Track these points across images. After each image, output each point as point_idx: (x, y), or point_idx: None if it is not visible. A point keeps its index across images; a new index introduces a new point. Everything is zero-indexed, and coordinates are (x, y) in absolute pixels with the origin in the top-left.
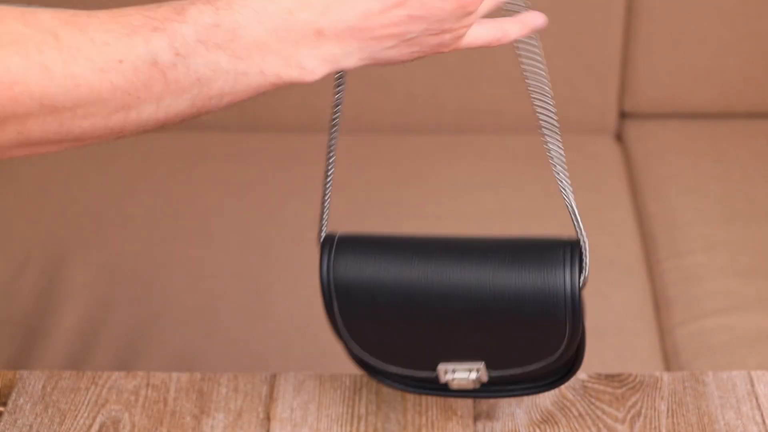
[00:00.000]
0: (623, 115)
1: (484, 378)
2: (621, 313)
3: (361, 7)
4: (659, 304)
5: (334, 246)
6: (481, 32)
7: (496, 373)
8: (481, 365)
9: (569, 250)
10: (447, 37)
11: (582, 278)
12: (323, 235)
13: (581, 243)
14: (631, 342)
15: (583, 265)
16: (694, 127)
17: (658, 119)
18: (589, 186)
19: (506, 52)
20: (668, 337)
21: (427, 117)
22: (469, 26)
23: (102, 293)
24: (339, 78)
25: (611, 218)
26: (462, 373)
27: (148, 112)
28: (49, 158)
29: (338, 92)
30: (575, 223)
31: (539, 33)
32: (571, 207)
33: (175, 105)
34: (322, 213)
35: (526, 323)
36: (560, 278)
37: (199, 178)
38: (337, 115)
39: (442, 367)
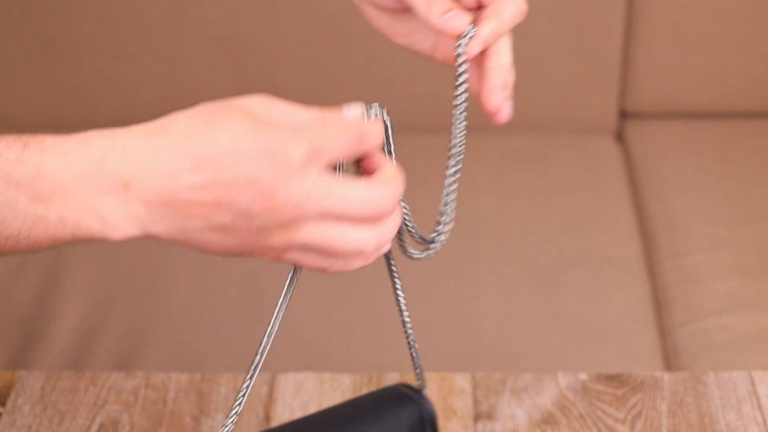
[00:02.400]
0: (623, 115)
1: None
2: (621, 313)
3: (173, 175)
4: (659, 304)
5: None
6: (312, 259)
7: None
8: None
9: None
10: (270, 241)
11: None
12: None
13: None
14: (632, 342)
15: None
16: (695, 126)
17: (659, 119)
18: (589, 186)
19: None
20: (669, 337)
21: (427, 117)
22: (290, 244)
23: (102, 293)
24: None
25: (611, 218)
26: None
27: None
28: None
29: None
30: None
31: (539, 34)
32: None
33: None
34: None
35: None
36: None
37: None
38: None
39: None
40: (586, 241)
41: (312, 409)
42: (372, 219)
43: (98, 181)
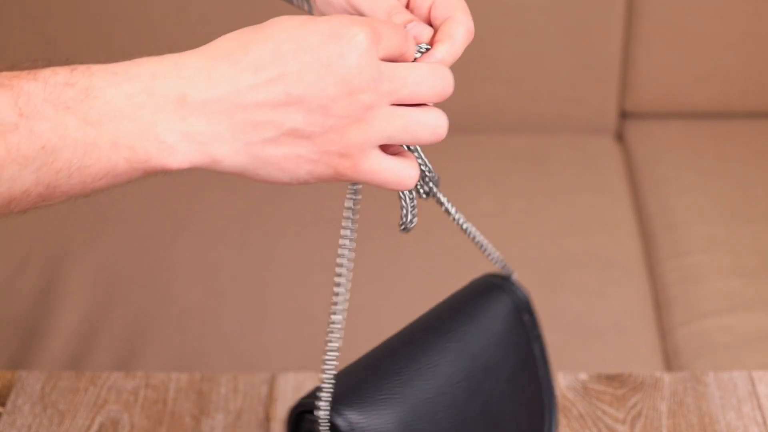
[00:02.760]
0: (623, 115)
1: None
2: (621, 313)
3: (233, 78)
4: (659, 304)
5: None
6: (391, 165)
7: None
8: None
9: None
10: (348, 139)
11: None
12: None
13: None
14: (632, 342)
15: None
16: (695, 126)
17: (659, 119)
18: (589, 186)
19: (506, 52)
20: (669, 337)
21: None
22: (369, 141)
23: (102, 293)
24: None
25: (611, 218)
26: None
27: None
28: None
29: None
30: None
31: (539, 34)
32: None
33: (20, 179)
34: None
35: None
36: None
37: (199, 178)
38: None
39: None
40: (586, 241)
41: None
42: (438, 96)
43: (152, 98)
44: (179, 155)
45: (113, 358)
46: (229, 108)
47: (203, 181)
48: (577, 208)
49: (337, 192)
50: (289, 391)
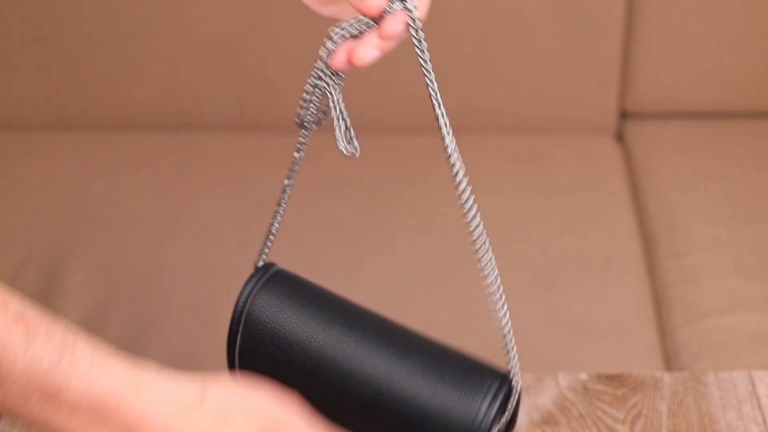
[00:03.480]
0: (623, 115)
1: None
2: (621, 313)
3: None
4: (659, 304)
5: (265, 277)
6: None
7: None
8: None
9: (497, 384)
10: None
11: (501, 420)
12: (262, 260)
13: (513, 381)
14: (632, 342)
15: (507, 406)
16: (695, 126)
17: (659, 119)
18: (589, 186)
19: (506, 52)
20: (669, 337)
21: (427, 117)
22: None
23: (102, 293)
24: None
25: (611, 218)
26: None
27: None
28: (49, 158)
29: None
30: (509, 353)
31: (539, 34)
32: (506, 336)
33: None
34: (266, 237)
35: None
36: (473, 408)
37: (199, 178)
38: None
39: None
40: (586, 241)
41: None
42: None
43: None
44: None
45: None
46: None
47: (203, 181)
48: (577, 208)
49: (337, 192)
50: None
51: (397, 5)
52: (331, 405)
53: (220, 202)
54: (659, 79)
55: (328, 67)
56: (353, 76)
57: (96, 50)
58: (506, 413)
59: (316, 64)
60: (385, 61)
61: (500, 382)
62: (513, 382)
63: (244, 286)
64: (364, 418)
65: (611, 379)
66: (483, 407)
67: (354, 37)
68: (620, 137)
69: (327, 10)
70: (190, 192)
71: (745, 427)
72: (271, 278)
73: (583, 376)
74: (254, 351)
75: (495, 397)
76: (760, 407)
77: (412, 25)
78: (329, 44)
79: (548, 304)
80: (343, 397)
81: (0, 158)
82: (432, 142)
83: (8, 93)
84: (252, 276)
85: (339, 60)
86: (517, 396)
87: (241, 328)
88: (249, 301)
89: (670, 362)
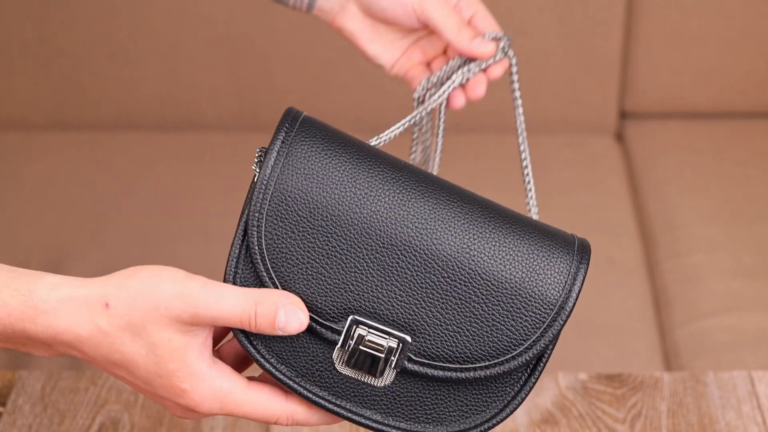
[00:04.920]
0: (623, 115)
1: (403, 358)
2: (621, 313)
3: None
4: (659, 304)
5: (294, 130)
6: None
7: (417, 365)
8: (407, 338)
9: (583, 250)
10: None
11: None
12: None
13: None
14: (631, 342)
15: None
16: (695, 126)
17: (659, 119)
18: (589, 186)
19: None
20: (668, 337)
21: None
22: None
23: None
24: None
25: (611, 218)
26: (377, 337)
27: None
28: (48, 158)
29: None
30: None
31: (539, 34)
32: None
33: None
34: None
35: (490, 313)
36: (564, 273)
37: (199, 178)
38: None
39: (354, 320)
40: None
41: None
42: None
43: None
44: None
45: None
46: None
47: (203, 181)
48: (577, 208)
49: None
50: None
51: (499, 55)
52: (377, 277)
53: (219, 202)
54: (659, 79)
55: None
56: (353, 77)
57: (96, 50)
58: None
59: (418, 109)
60: None
61: (584, 248)
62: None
63: (272, 142)
64: (417, 292)
65: (611, 379)
66: (573, 273)
67: (449, 78)
68: (620, 137)
69: (372, 48)
70: (189, 192)
71: (744, 427)
72: (301, 130)
73: (583, 376)
74: (282, 218)
75: (581, 262)
76: (759, 407)
77: (514, 73)
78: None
79: None
80: (393, 270)
81: (0, 158)
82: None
83: (8, 93)
84: (280, 130)
85: (458, 101)
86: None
87: (268, 196)
88: (278, 168)
89: (670, 362)
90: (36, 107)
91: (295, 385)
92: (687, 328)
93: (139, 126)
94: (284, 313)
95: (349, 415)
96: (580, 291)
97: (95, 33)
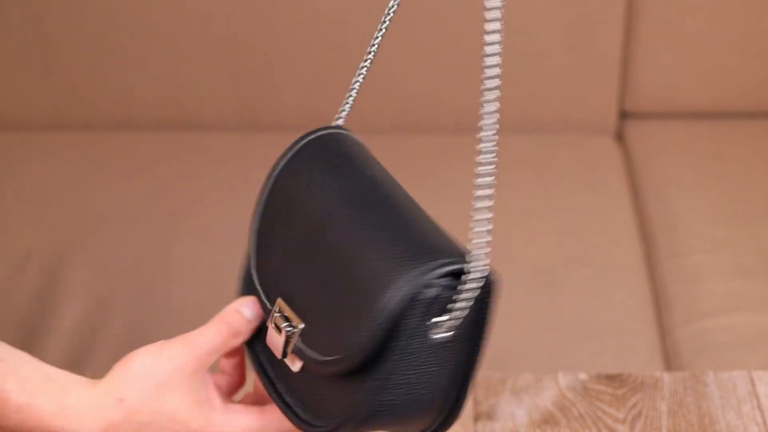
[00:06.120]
0: (623, 115)
1: (297, 344)
2: (621, 313)
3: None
4: (659, 304)
5: (304, 141)
6: None
7: (307, 352)
8: (301, 325)
9: (447, 259)
10: None
11: (432, 320)
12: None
13: (471, 263)
14: (632, 342)
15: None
16: (695, 126)
17: (659, 119)
18: (589, 186)
19: (506, 52)
20: (669, 337)
21: (427, 117)
22: None
23: (102, 293)
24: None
25: (611, 218)
26: (281, 319)
27: None
28: (49, 158)
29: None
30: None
31: (539, 34)
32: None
33: None
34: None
35: (344, 311)
36: (402, 288)
37: (199, 178)
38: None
39: (279, 303)
40: (586, 241)
41: None
42: None
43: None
44: None
45: (113, 357)
46: None
47: (203, 181)
48: (577, 208)
49: None
50: None
51: None
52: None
53: (219, 202)
54: (659, 79)
55: None
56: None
57: (96, 50)
58: (464, 294)
59: None
60: (386, 60)
61: (454, 259)
62: (472, 266)
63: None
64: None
65: (611, 379)
66: (399, 291)
67: None
68: (620, 137)
69: None
70: (189, 192)
71: (744, 426)
72: (314, 142)
73: (583, 376)
74: (271, 209)
75: (435, 268)
76: (759, 407)
77: None
78: None
79: (548, 304)
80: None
81: (0, 158)
82: (432, 142)
83: (8, 93)
84: (299, 140)
85: None
86: (482, 283)
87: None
88: (278, 167)
89: (670, 362)
90: (36, 107)
91: (251, 351)
92: (687, 328)
93: (139, 126)
94: (243, 307)
95: (275, 395)
96: (400, 307)
97: (95, 33)
